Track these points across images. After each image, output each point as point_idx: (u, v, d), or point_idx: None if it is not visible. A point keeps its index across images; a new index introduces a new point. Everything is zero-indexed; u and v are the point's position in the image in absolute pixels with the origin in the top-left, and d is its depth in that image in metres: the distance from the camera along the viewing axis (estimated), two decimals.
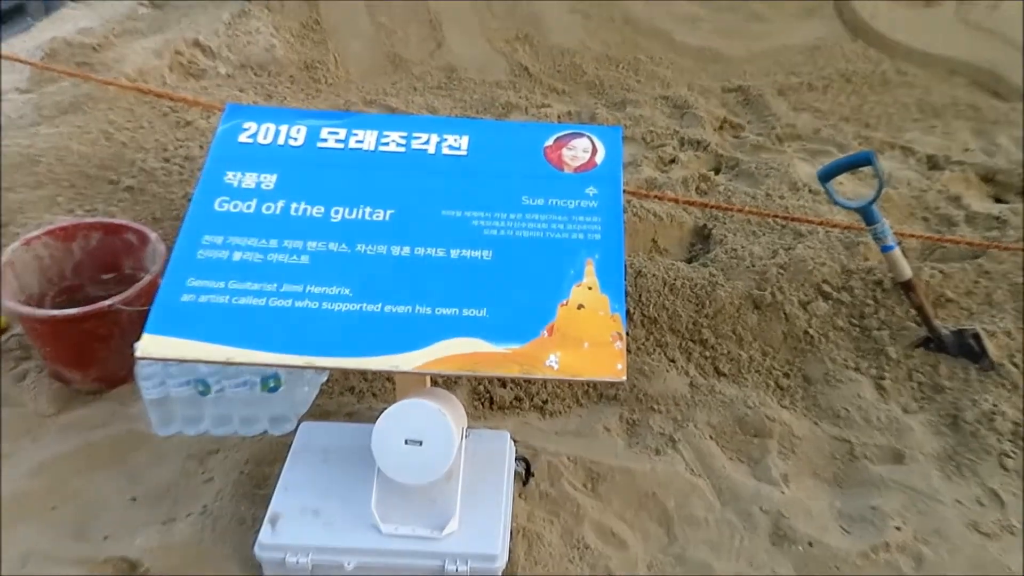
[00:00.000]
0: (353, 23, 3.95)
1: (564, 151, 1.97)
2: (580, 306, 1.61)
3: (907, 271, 2.24)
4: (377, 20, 3.96)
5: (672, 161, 3.26)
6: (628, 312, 2.40)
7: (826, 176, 2.25)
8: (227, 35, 3.80)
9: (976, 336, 2.24)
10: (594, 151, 1.96)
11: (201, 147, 3.02)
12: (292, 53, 3.82)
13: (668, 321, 2.42)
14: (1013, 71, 3.79)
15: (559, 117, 3.60)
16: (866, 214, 2.18)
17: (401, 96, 3.75)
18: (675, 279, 2.51)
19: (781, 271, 2.51)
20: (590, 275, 1.67)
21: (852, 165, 2.27)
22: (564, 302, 1.61)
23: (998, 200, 3.10)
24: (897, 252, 2.22)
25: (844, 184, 3.01)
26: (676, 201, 2.73)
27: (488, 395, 2.21)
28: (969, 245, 2.54)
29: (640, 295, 2.47)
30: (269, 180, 1.84)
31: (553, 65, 3.94)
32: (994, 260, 2.52)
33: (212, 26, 3.82)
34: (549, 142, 1.97)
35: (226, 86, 3.58)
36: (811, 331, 2.38)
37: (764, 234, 2.76)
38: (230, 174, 1.83)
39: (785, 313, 2.42)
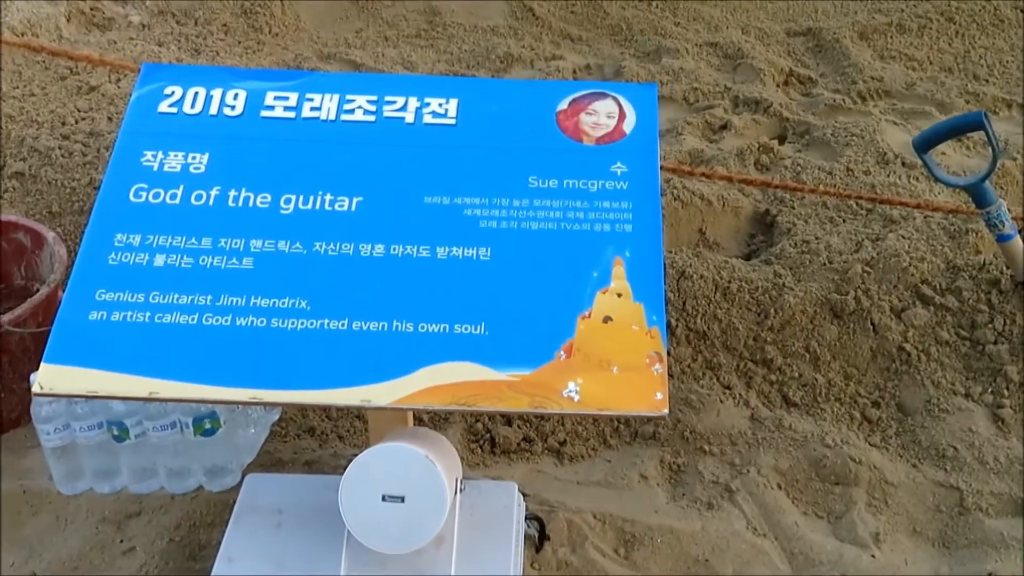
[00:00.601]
0: None
1: (583, 117, 1.98)
2: (607, 318, 1.62)
3: None
4: None
5: (723, 127, 3.30)
6: (669, 325, 2.42)
7: (924, 145, 2.26)
8: None
9: None
10: (622, 117, 1.97)
11: (111, 119, 3.04)
12: None
13: (721, 336, 2.44)
14: None
15: (575, 72, 3.64)
16: (977, 193, 2.19)
17: (368, 48, 3.78)
18: (729, 281, 2.53)
19: (867, 269, 2.53)
20: (619, 278, 1.67)
21: (958, 130, 2.29)
22: (586, 314, 1.62)
23: None
24: (1018, 241, 2.23)
25: (948, 155, 3.02)
26: (730, 180, 2.75)
27: (489, 436, 2.23)
28: None
29: (684, 303, 2.49)
30: (200, 161, 1.84)
31: (566, 4, 3.98)
32: None
33: None
34: (563, 106, 1.98)
35: (140, 39, 3.61)
36: (907, 346, 2.40)
37: (845, 221, 2.78)
38: (148, 154, 1.84)
39: (874, 324, 2.43)
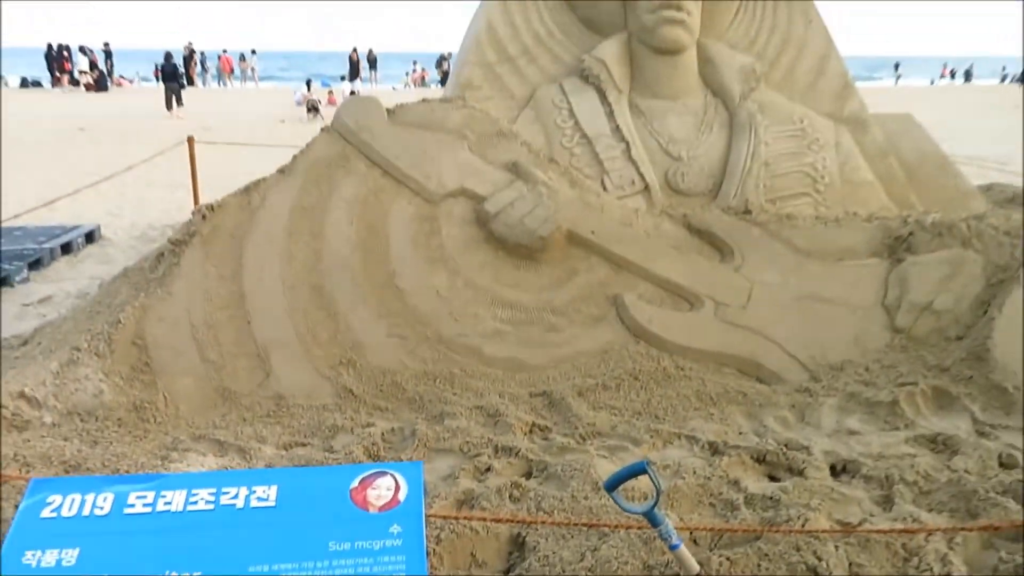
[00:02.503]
0: (183, 361, 3.98)
1: (369, 491, 2.03)
2: None
3: (694, 566, 2.35)
4: (207, 357, 4.02)
5: (487, 470, 3.35)
6: None
7: (611, 487, 2.39)
8: (54, 384, 3.73)
9: None
10: (397, 488, 2.03)
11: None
12: (121, 396, 3.78)
13: None
14: (769, 359, 4.28)
15: (383, 434, 3.67)
16: (649, 518, 2.31)
17: (230, 428, 3.74)
18: None
19: (589, 573, 2.56)
20: None
21: (632, 475, 2.43)
22: None
23: (772, 478, 3.38)
24: (683, 550, 2.33)
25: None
26: (484, 520, 2.78)
27: None
28: (746, 532, 2.72)
29: None
30: (71, 556, 1.77)
31: (376, 385, 4.08)
32: (771, 542, 2.69)
33: (39, 376, 3.75)
34: (355, 484, 2.03)
35: (50, 436, 3.46)
36: None
37: (573, 536, 2.83)
38: (29, 553, 1.76)
39: None
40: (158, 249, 4.75)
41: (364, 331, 4.22)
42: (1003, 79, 44.89)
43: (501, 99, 5.48)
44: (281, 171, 4.66)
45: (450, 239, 4.49)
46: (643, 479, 3.18)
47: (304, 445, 3.63)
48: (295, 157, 4.70)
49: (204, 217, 4.35)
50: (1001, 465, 3.47)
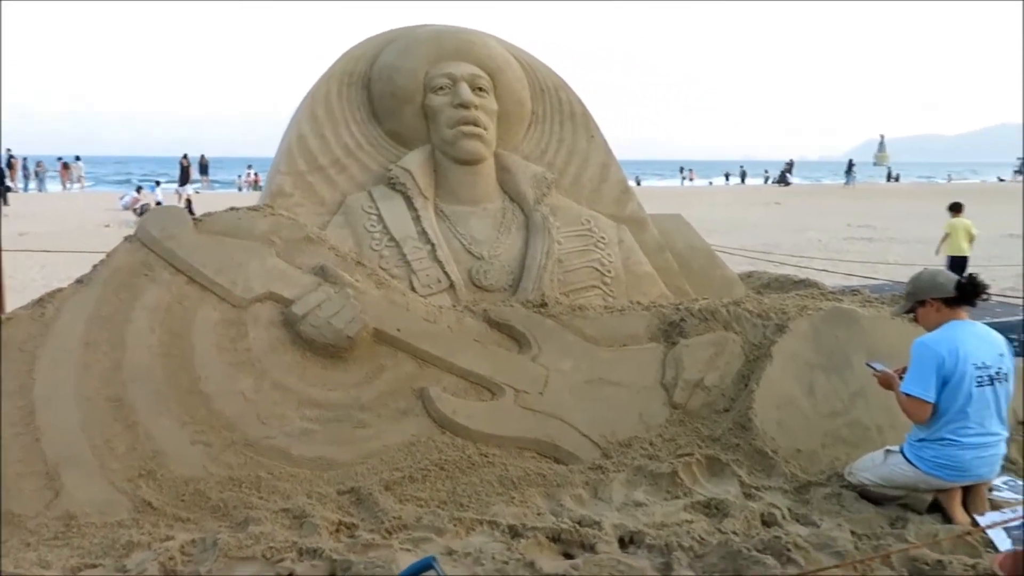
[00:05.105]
0: None
1: None
2: None
3: None
4: None
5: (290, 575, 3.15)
6: None
7: None
8: None
9: None
10: None
11: None
12: None
13: None
14: (565, 440, 4.35)
15: (182, 547, 3.37)
16: None
17: (11, 555, 3.31)
18: None
19: None
20: None
21: (420, 571, 2.35)
22: None
23: (566, 555, 3.38)
24: None
25: None
26: None
27: None
28: None
29: None
30: None
31: (177, 496, 3.76)
32: None
33: None
34: None
35: None
36: None
37: None
38: None
39: None
40: None
41: (166, 440, 3.91)
42: (766, 180, 50.00)
43: (312, 206, 5.41)
44: (80, 281, 4.32)
45: (257, 342, 4.30)
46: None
47: (94, 567, 3.27)
48: (95, 267, 4.38)
49: None
50: (763, 523, 3.67)
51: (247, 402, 4.12)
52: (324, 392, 4.27)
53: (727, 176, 53.03)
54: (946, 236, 11.03)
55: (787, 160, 51.68)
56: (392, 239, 5.28)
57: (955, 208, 11.18)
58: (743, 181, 51.22)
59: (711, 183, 50.00)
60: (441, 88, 5.60)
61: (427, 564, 2.28)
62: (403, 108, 5.67)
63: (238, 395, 4.13)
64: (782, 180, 46.46)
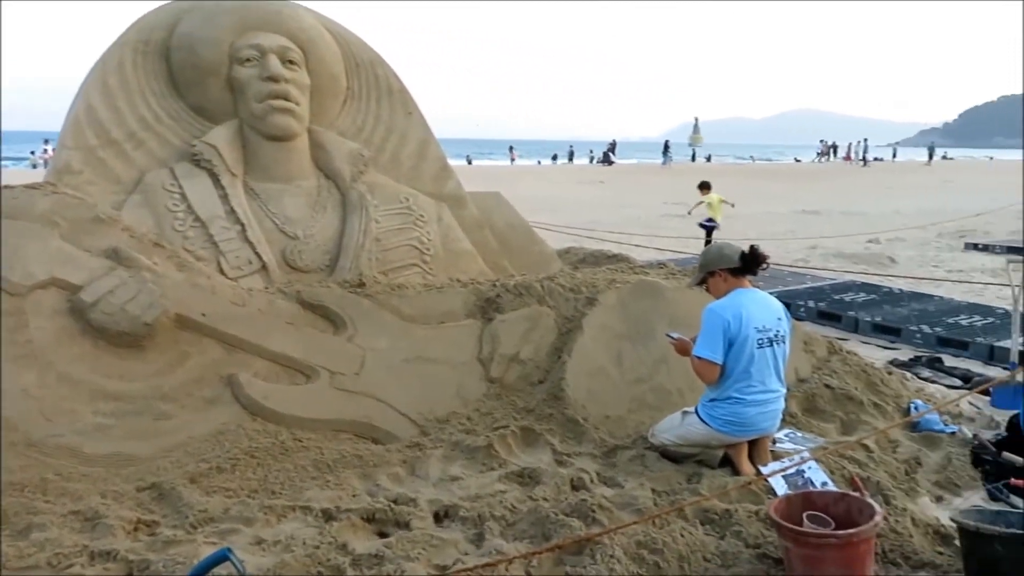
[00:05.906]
0: None
1: None
2: None
3: None
4: None
5: None
6: None
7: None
8: None
9: None
10: None
11: None
12: None
13: None
14: (382, 420, 4.32)
15: None
16: None
17: None
18: None
19: None
20: None
21: (215, 564, 2.26)
22: None
23: (381, 535, 3.37)
24: None
25: None
26: None
27: None
28: None
29: None
30: None
31: None
32: None
33: None
34: None
35: None
36: None
37: None
38: None
39: None
40: None
41: None
42: (591, 159, 51.94)
43: (105, 184, 5.01)
44: None
45: (39, 332, 3.92)
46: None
47: None
48: None
49: None
50: (572, 488, 3.83)
51: (30, 399, 3.76)
52: (121, 383, 3.97)
53: (555, 157, 54.54)
54: (703, 204, 13.05)
55: (610, 140, 53.86)
56: (197, 219, 5.00)
57: (704, 186, 13.06)
58: (571, 160, 52.87)
59: (539, 163, 51.22)
60: (248, 60, 5.33)
61: (222, 556, 2.18)
62: (207, 80, 5.35)
63: (19, 392, 3.75)
64: (606, 160, 48.43)
